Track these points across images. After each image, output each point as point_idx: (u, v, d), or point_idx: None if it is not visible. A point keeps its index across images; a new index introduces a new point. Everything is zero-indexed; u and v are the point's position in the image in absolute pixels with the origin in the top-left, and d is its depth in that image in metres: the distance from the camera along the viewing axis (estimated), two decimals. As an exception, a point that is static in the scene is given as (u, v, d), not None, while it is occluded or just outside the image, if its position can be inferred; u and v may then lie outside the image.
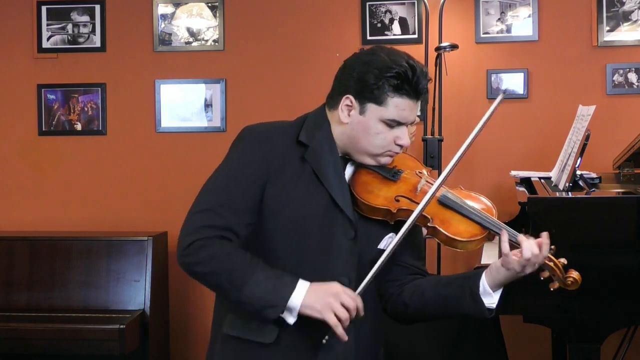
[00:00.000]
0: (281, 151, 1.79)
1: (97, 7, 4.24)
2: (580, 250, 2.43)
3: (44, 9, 4.26)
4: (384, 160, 1.83)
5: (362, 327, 1.82)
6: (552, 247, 1.74)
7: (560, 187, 2.82)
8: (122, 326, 3.54)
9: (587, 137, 2.73)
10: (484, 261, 2.68)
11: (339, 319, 1.67)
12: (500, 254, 1.74)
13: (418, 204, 1.76)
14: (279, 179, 1.78)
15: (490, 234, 1.80)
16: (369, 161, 1.83)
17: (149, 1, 4.21)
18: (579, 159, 2.76)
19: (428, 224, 1.79)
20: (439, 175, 1.81)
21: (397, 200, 1.81)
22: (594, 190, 2.89)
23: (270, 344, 1.78)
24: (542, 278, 1.76)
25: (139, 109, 4.24)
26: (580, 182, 2.94)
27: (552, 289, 1.76)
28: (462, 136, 3.92)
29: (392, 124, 1.78)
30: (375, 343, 1.94)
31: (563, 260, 1.75)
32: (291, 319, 1.71)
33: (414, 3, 4.01)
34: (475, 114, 3.96)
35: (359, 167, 1.86)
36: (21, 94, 4.30)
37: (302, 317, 1.71)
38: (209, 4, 4.18)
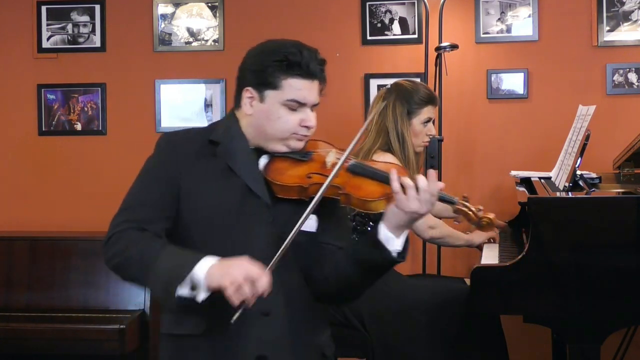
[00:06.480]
0: (192, 150, 1.90)
1: (97, 7, 4.24)
2: (580, 250, 2.43)
3: (44, 9, 4.26)
4: (294, 144, 1.90)
5: (295, 309, 1.85)
6: (465, 195, 1.87)
7: (560, 187, 2.82)
8: (122, 326, 3.54)
9: (587, 137, 2.73)
10: (483, 261, 2.68)
11: (238, 288, 1.64)
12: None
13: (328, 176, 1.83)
14: (192, 175, 1.87)
15: None
16: (280, 147, 1.90)
17: (149, 1, 4.21)
18: (579, 158, 2.77)
19: (339, 192, 1.85)
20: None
21: (309, 177, 1.87)
22: (594, 190, 2.89)
23: (202, 335, 1.82)
24: (456, 222, 1.86)
25: (139, 109, 4.24)
26: (580, 182, 2.94)
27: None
28: (462, 136, 3.98)
29: (292, 105, 1.85)
30: (316, 327, 1.96)
31: (479, 206, 1.85)
32: (201, 294, 1.69)
33: (414, 3, 4.00)
34: (475, 114, 3.96)
35: (273, 156, 1.93)
36: (21, 94, 4.30)
37: (214, 296, 1.69)
38: (209, 4, 4.18)
